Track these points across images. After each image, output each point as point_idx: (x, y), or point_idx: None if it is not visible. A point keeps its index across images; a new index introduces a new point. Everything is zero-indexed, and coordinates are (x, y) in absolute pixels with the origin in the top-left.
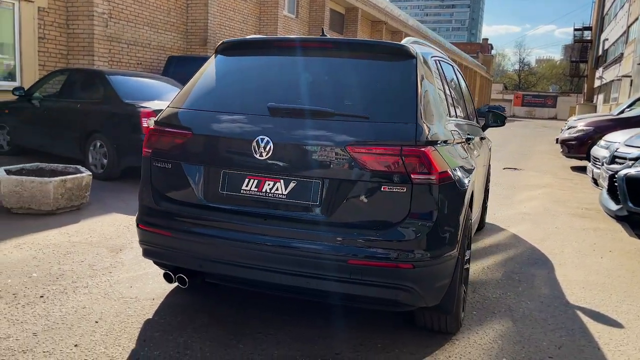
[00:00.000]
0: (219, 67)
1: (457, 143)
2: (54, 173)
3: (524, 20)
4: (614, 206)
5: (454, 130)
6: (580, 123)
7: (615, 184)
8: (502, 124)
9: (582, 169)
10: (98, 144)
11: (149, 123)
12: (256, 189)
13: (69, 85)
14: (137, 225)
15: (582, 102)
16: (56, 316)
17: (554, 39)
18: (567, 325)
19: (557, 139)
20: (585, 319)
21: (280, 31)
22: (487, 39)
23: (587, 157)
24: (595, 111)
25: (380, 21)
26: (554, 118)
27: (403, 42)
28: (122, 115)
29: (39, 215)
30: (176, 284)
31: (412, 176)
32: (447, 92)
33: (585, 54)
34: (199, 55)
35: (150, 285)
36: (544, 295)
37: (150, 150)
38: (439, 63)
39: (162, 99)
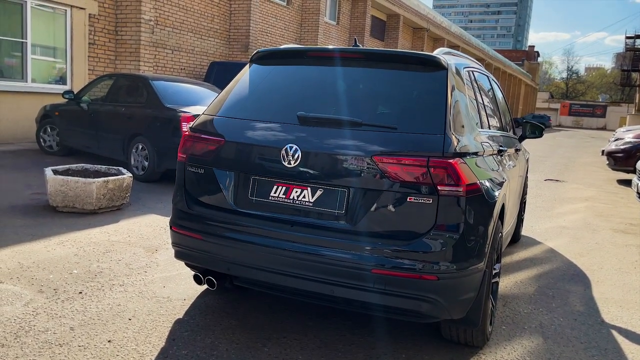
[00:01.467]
0: (253, 76)
1: (489, 155)
2: (97, 174)
3: (574, 27)
4: None
5: (485, 142)
6: (628, 135)
7: None
8: (540, 135)
9: (629, 183)
10: (140, 146)
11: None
12: (284, 196)
13: (115, 90)
14: (171, 227)
15: (633, 113)
16: (92, 312)
17: (605, 47)
18: (601, 344)
19: (602, 151)
20: (620, 338)
21: (320, 38)
22: (533, 46)
23: (634, 170)
24: None
25: (422, 28)
26: (603, 128)
27: (435, 52)
28: (163, 119)
29: (82, 214)
30: (205, 286)
31: (438, 187)
32: (481, 103)
33: (637, 63)
34: (240, 62)
35: (183, 286)
36: (578, 312)
37: (184, 156)
38: (472, 74)
39: (202, 104)
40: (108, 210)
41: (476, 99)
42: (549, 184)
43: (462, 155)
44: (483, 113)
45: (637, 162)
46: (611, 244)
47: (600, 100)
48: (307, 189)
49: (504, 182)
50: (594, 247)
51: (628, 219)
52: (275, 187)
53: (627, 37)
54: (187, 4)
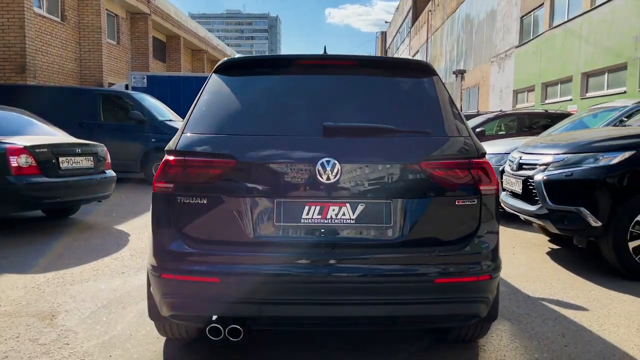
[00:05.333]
0: (235, 88)
1: None
2: None
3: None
4: (532, 207)
5: None
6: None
7: (530, 187)
8: None
9: None
10: None
11: (20, 162)
12: (319, 216)
13: None
14: (158, 275)
15: None
16: None
17: None
18: (544, 314)
19: None
20: (551, 307)
21: (105, 59)
22: None
23: None
24: None
25: (201, 50)
26: None
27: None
28: None
29: None
30: (215, 337)
31: (480, 188)
32: None
33: None
34: (17, 84)
35: (137, 350)
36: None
37: (171, 185)
38: None
39: (27, 132)
40: None
41: None
42: None
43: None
44: None
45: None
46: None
47: None
48: (345, 205)
49: None
50: None
51: None
52: (306, 207)
53: None
54: None
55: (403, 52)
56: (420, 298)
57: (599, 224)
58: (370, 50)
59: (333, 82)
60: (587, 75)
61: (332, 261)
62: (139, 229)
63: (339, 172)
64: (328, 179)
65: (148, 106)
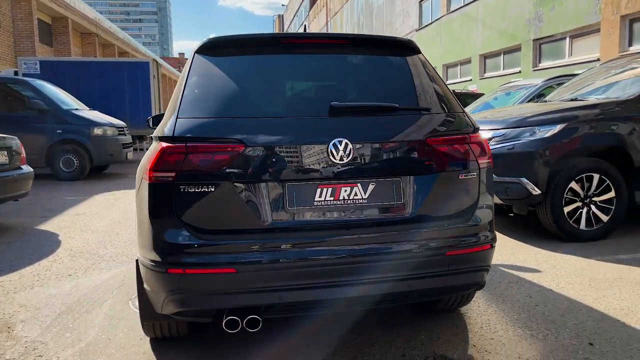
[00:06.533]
0: (229, 68)
1: None
2: None
3: (208, 36)
4: None
5: None
6: None
7: None
8: None
9: None
10: None
11: None
12: (332, 198)
13: None
14: (165, 271)
15: None
16: None
17: None
18: (505, 279)
19: None
20: (509, 272)
21: None
22: (183, 54)
23: None
24: None
25: (91, 33)
26: None
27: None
28: None
29: None
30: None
31: (479, 161)
32: None
33: None
34: None
35: (123, 354)
36: None
37: (171, 174)
38: None
39: None
40: None
41: None
42: None
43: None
44: None
45: None
46: None
47: None
48: (357, 185)
49: None
50: None
51: None
52: (318, 190)
53: None
54: None
55: None
56: (433, 271)
57: (539, 192)
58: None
59: (327, 61)
60: (484, 57)
61: (347, 242)
62: (66, 228)
63: (351, 152)
64: (341, 159)
65: (49, 94)
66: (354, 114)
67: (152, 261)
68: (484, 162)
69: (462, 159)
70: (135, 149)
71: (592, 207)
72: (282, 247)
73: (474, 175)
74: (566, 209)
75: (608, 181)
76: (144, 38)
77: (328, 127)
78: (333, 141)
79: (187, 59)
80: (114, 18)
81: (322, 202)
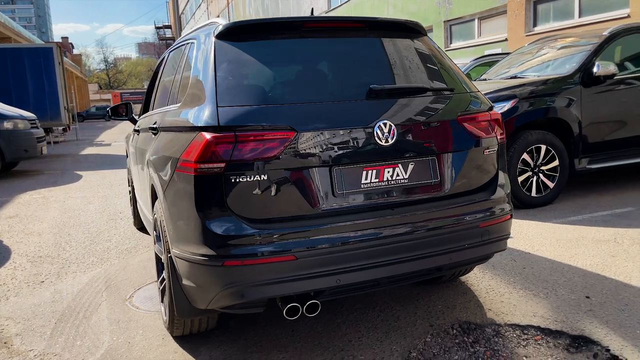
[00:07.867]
0: (258, 54)
1: None
2: None
3: (92, 18)
4: None
5: None
6: None
7: None
8: None
9: None
10: None
11: None
12: (377, 180)
13: None
14: (221, 265)
15: None
16: None
17: (125, 37)
18: None
19: None
20: None
21: None
22: (67, 38)
23: None
24: None
25: None
26: None
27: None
28: None
29: None
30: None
31: (498, 137)
32: None
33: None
34: None
35: (151, 357)
36: None
37: (221, 165)
38: None
39: None
40: None
41: None
42: None
43: None
44: None
45: None
46: None
47: (144, 86)
48: (398, 166)
49: None
50: None
51: None
52: (364, 172)
53: (157, 27)
54: None
55: (201, 18)
56: (470, 242)
57: None
58: (163, 17)
59: (351, 44)
60: None
61: (394, 221)
62: (6, 233)
63: (394, 133)
64: (386, 141)
65: None
66: (391, 95)
67: (204, 255)
68: (501, 137)
69: (487, 134)
70: (49, 143)
71: (541, 175)
72: (336, 231)
73: (495, 149)
74: (520, 178)
75: (553, 151)
76: (19, 21)
77: (369, 109)
78: (378, 123)
79: (71, 43)
80: None
81: (368, 185)
